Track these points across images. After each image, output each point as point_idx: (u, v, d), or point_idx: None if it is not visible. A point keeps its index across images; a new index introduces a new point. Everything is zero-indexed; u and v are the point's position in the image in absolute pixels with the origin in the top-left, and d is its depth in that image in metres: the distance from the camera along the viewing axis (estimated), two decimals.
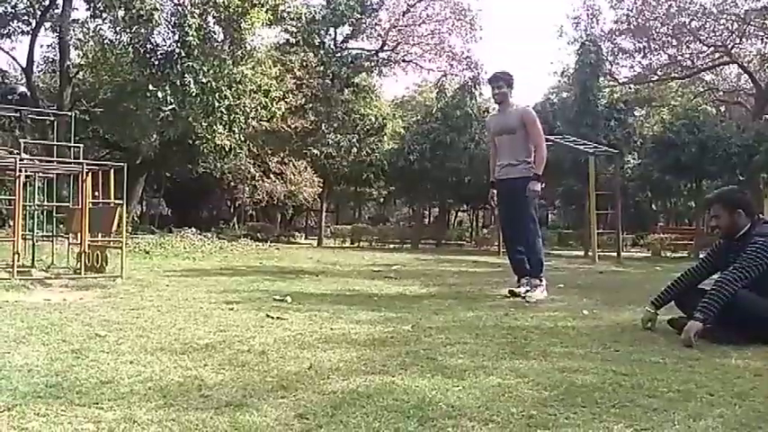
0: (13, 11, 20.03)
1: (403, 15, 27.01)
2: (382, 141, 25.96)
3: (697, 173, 20.89)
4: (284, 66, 21.54)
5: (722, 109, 31.02)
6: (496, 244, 18.75)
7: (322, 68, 23.77)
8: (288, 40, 24.54)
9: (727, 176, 19.92)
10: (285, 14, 19.03)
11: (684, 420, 2.09)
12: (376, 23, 27.02)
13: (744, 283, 3.58)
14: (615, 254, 15.84)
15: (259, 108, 19.61)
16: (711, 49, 26.00)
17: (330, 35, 26.10)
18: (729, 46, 25.24)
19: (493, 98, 5.95)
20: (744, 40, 25.41)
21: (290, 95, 21.83)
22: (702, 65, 27.28)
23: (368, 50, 27.74)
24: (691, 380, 2.65)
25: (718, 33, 25.41)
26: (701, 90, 30.60)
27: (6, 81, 23.38)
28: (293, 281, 6.90)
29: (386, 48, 27.82)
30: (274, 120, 21.37)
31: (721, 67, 28.48)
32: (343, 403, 2.20)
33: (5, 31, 20.31)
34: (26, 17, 20.36)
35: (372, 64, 27.51)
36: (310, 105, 23.79)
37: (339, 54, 25.89)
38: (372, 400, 2.23)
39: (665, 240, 21.84)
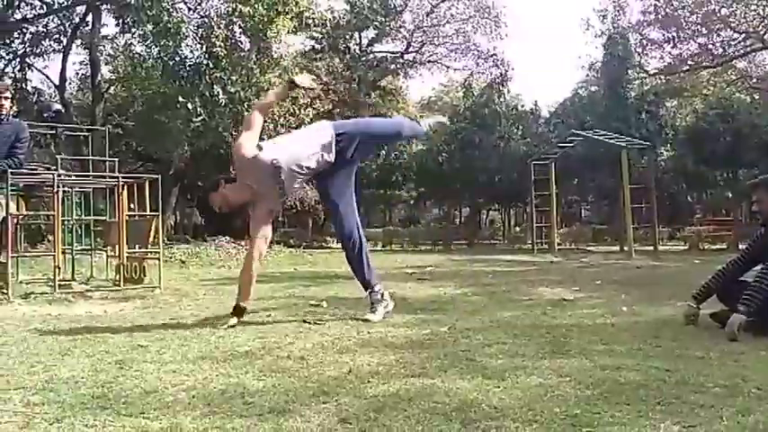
0: (45, 30, 20.46)
1: (427, 16, 26.98)
2: (410, 143, 25.92)
3: (733, 162, 20.54)
4: (311, 72, 21.64)
5: (756, 96, 30.28)
6: (530, 242, 18.63)
7: (348, 73, 23.88)
8: (313, 46, 24.73)
9: (763, 165, 19.50)
10: (310, 21, 19.11)
11: (733, 416, 2.05)
12: (400, 25, 27.03)
13: None
14: (652, 248, 15.62)
15: (287, 115, 19.74)
16: (743, 35, 25.41)
17: (355, 40, 26.21)
18: (762, 32, 24.62)
19: None
20: None
21: (318, 101, 21.94)
22: (734, 52, 26.63)
23: (393, 53, 27.78)
24: (737, 374, 2.60)
25: (749, 19, 24.81)
26: (734, 78, 29.90)
27: (41, 99, 23.91)
28: (328, 285, 6.91)
29: (411, 49, 27.84)
30: (303, 127, 21.47)
31: (754, 53, 27.85)
32: (385, 407, 2.20)
33: (38, 50, 20.76)
34: (57, 35, 20.78)
35: (398, 66, 27.54)
36: (338, 110, 23.90)
37: (365, 58, 25.98)
38: (414, 403, 2.23)
39: (703, 233, 21.45)
